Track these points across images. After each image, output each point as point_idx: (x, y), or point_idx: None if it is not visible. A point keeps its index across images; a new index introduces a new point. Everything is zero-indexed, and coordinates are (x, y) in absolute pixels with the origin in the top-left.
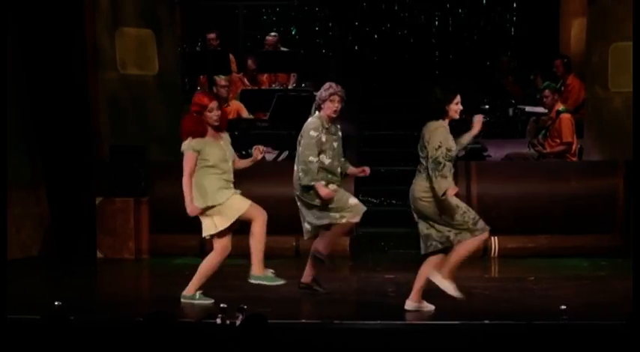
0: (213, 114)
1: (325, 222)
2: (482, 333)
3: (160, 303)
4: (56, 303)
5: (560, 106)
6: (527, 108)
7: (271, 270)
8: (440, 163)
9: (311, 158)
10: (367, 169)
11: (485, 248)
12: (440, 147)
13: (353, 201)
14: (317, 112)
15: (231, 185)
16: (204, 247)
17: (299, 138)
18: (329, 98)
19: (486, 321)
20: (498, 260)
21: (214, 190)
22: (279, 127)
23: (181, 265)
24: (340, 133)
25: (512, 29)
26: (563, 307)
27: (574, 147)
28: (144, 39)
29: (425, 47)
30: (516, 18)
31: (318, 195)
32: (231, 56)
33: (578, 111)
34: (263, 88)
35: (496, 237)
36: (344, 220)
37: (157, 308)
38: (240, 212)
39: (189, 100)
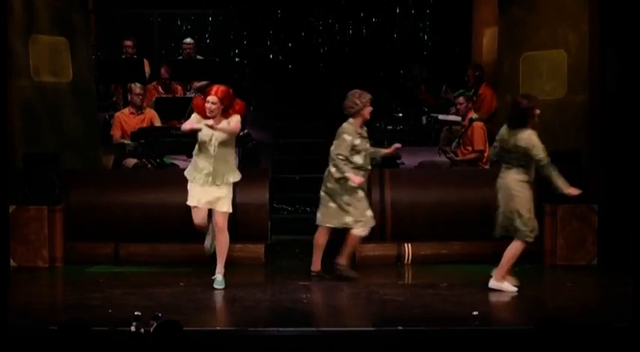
0: (207, 105)
1: (341, 222)
2: (396, 339)
3: (75, 311)
4: None
5: (473, 114)
6: (441, 117)
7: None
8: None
9: (340, 157)
10: (398, 145)
11: (398, 255)
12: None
13: (369, 212)
14: (350, 119)
15: (209, 169)
16: (119, 255)
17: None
18: (369, 104)
19: (400, 327)
20: (412, 266)
21: (192, 163)
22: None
23: (95, 273)
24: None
25: (426, 37)
26: (475, 313)
27: (485, 154)
28: (58, 46)
29: (339, 55)
30: (429, 26)
31: (346, 190)
32: (146, 62)
33: (491, 119)
34: (177, 95)
35: (409, 244)
36: (358, 227)
37: (71, 317)
38: (191, 203)
39: (103, 108)
